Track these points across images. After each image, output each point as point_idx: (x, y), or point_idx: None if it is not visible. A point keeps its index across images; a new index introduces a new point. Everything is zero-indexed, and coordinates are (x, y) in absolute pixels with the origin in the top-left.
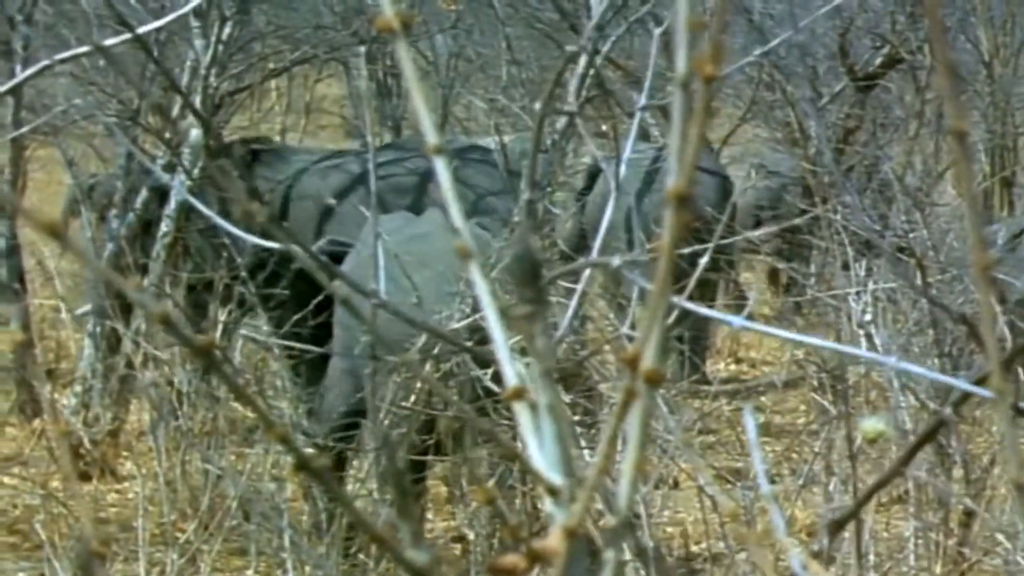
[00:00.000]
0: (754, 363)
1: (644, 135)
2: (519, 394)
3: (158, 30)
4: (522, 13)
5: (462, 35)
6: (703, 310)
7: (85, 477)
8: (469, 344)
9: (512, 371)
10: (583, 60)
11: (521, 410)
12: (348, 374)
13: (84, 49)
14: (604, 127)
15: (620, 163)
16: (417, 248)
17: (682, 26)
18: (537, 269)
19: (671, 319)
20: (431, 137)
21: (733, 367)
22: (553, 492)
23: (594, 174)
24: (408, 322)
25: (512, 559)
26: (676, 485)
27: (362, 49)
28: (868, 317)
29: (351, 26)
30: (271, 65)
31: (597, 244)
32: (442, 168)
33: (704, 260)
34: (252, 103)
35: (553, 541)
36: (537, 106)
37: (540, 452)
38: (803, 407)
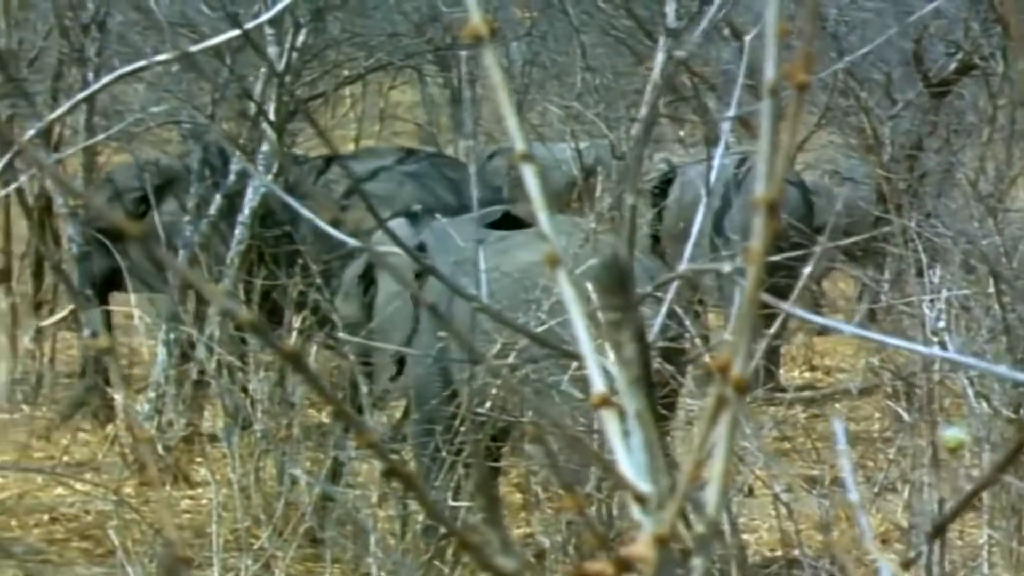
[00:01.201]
0: (829, 370)
1: (715, 141)
2: (606, 401)
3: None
4: (597, 20)
5: (537, 42)
6: (814, 317)
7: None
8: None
9: (600, 378)
10: (658, 67)
11: (608, 417)
12: (434, 380)
13: (164, 57)
14: (680, 133)
15: (712, 169)
16: (496, 255)
17: (771, 34)
18: (625, 277)
19: (774, 326)
20: (519, 144)
21: (808, 374)
22: (641, 500)
23: (668, 180)
24: (508, 327)
25: (599, 566)
26: (751, 492)
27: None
28: (942, 324)
29: (425, 33)
30: (345, 72)
31: (687, 251)
32: (530, 176)
33: (808, 269)
34: (326, 110)
35: (642, 548)
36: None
37: (628, 459)
38: (877, 414)
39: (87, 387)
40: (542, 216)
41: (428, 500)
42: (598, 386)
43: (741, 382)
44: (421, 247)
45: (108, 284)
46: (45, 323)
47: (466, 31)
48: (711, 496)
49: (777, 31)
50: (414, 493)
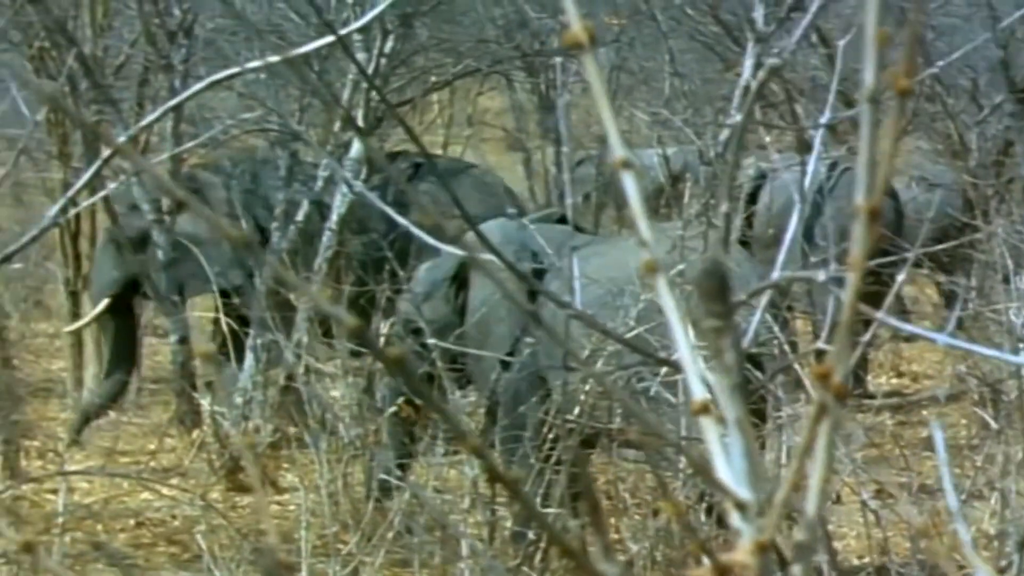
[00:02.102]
0: (916, 377)
1: (807, 147)
2: (706, 408)
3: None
4: (685, 26)
5: (625, 48)
6: (905, 325)
7: (246, 489)
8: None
9: (700, 385)
10: (746, 72)
11: (708, 424)
12: (528, 385)
13: (255, 64)
14: (767, 139)
15: (805, 176)
16: (580, 260)
17: (870, 40)
18: (725, 283)
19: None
20: (618, 150)
21: (895, 381)
22: (741, 507)
23: (758, 186)
24: (604, 334)
25: (702, 572)
26: (839, 500)
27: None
28: None
29: (513, 39)
30: (433, 78)
31: (781, 258)
32: (631, 183)
33: (902, 277)
34: (414, 116)
35: (743, 555)
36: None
37: (728, 466)
38: (964, 421)
39: (176, 392)
40: (641, 223)
41: (532, 505)
42: (698, 393)
43: (842, 389)
44: (533, 254)
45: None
46: (70, 328)
47: (566, 38)
48: (810, 503)
49: (876, 37)
50: (517, 499)
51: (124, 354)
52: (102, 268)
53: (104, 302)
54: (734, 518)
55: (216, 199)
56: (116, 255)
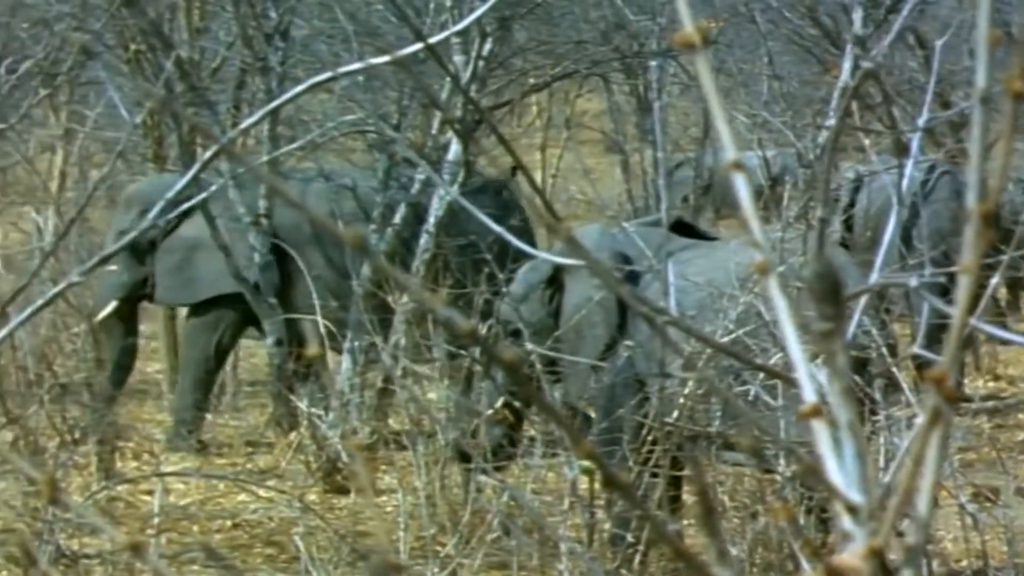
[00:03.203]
0: (1012, 380)
1: (904, 150)
2: (817, 411)
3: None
4: (783, 28)
5: (723, 50)
6: (1001, 332)
7: (343, 491)
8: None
9: (811, 388)
10: (844, 75)
11: (819, 428)
12: (627, 388)
13: (354, 67)
14: (866, 142)
15: (903, 179)
16: (678, 264)
17: (982, 40)
18: (837, 286)
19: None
20: (730, 152)
21: (992, 384)
22: (853, 510)
23: (856, 189)
24: (699, 339)
25: None
26: (936, 503)
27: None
28: None
29: (612, 41)
30: (531, 80)
31: (879, 261)
32: (741, 184)
33: (995, 280)
34: (512, 119)
35: (855, 559)
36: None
37: (839, 470)
38: None
39: (273, 395)
40: (753, 225)
41: (645, 509)
42: (809, 396)
43: (953, 394)
44: (625, 258)
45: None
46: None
47: (678, 38)
48: (920, 508)
49: (987, 38)
50: (630, 502)
51: (125, 359)
52: (110, 271)
53: (111, 305)
54: (845, 521)
55: (229, 202)
56: (125, 258)
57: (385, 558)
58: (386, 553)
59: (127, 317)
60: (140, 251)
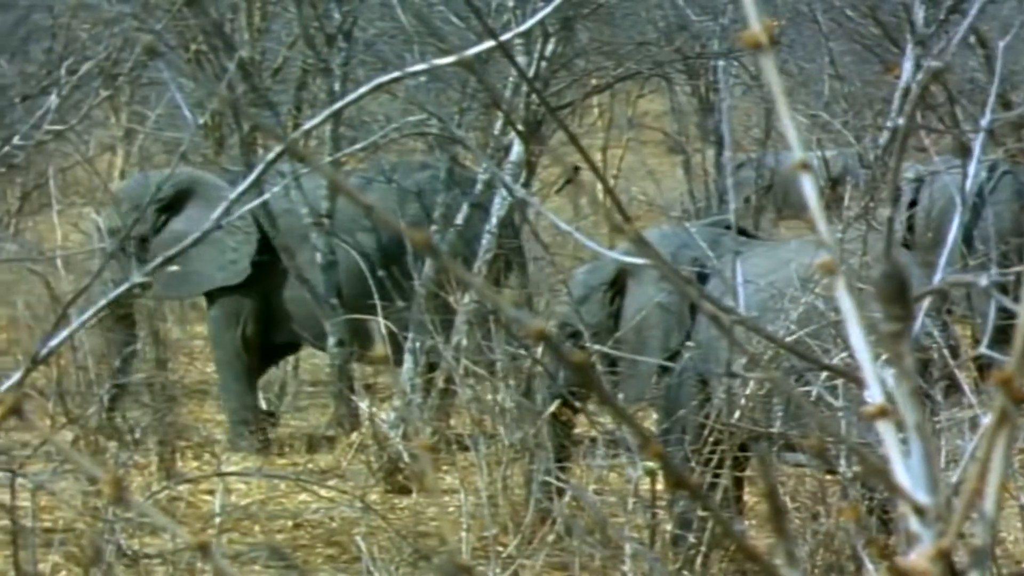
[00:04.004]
0: None
1: (966, 150)
2: (884, 412)
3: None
4: (845, 28)
5: (784, 50)
6: None
7: (405, 491)
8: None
9: (879, 389)
10: (905, 75)
11: (886, 428)
12: (689, 389)
13: (418, 67)
14: (927, 142)
15: (968, 178)
16: (746, 265)
17: None
18: (905, 287)
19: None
20: (797, 152)
21: None
22: (919, 511)
23: (917, 189)
24: (767, 339)
25: None
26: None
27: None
28: None
29: (674, 42)
30: (593, 81)
31: (942, 262)
32: (808, 184)
33: None
34: (574, 119)
35: (923, 560)
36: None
37: (906, 471)
38: None
39: (334, 395)
40: (820, 225)
41: (715, 510)
42: (876, 397)
43: (1020, 396)
44: (689, 260)
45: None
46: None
47: (745, 38)
48: (987, 509)
49: None
50: (700, 503)
51: (125, 357)
52: (110, 271)
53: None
54: (912, 523)
55: (220, 198)
56: (123, 256)
57: (453, 558)
58: (454, 553)
59: (126, 316)
60: (132, 249)
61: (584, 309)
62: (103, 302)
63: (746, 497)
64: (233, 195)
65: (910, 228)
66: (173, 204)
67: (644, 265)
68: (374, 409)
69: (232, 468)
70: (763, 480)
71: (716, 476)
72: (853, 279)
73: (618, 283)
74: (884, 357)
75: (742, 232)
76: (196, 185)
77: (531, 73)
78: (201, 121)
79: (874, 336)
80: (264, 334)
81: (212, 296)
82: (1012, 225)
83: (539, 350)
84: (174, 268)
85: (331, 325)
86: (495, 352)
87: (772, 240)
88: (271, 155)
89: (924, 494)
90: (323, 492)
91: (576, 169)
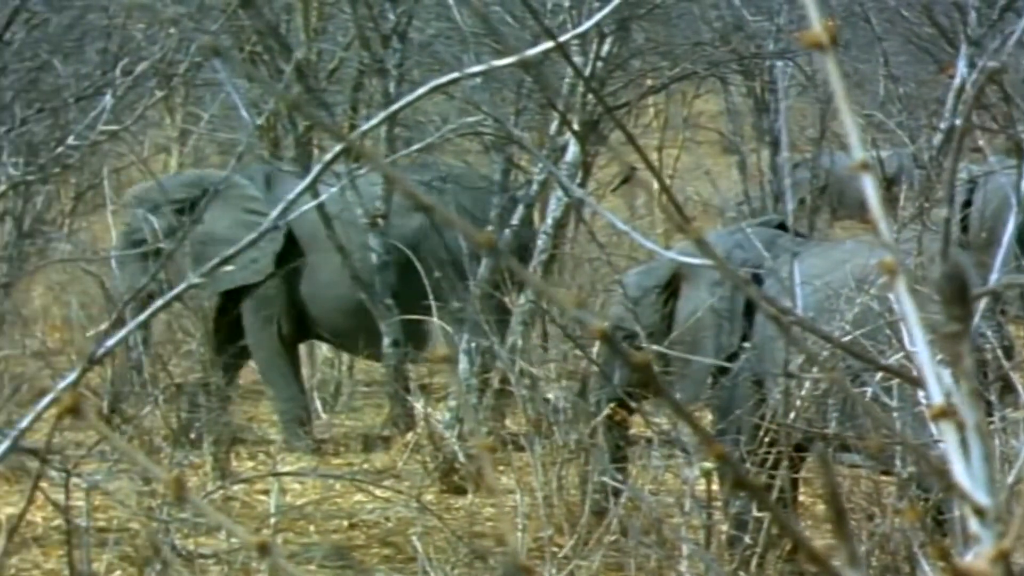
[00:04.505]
0: None
1: (1019, 150)
2: (946, 413)
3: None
4: (899, 28)
5: (839, 50)
6: None
7: (460, 491)
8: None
9: (938, 389)
10: (959, 75)
11: (947, 429)
12: (745, 390)
13: (476, 68)
14: (980, 143)
15: (1022, 180)
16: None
17: None
18: (965, 287)
19: None
20: (858, 152)
21: None
22: (980, 512)
23: (971, 190)
24: (825, 339)
25: None
26: None
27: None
28: None
29: (729, 42)
30: (649, 81)
31: (998, 262)
32: (870, 185)
33: None
34: (630, 119)
35: (982, 562)
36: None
37: (966, 472)
38: None
39: (390, 396)
40: (882, 225)
41: (777, 512)
42: (936, 397)
43: None
44: (745, 260)
45: None
46: (93, 333)
47: (806, 38)
48: None
49: None
50: (762, 505)
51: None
52: (125, 273)
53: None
54: (972, 524)
55: (242, 197)
56: (138, 258)
57: (514, 558)
58: (514, 553)
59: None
60: (153, 250)
61: (637, 311)
62: (160, 303)
63: (802, 498)
64: (291, 195)
65: (964, 228)
66: (194, 205)
67: (700, 267)
68: (429, 409)
69: (287, 468)
70: (824, 481)
71: (771, 477)
72: (911, 280)
73: (672, 285)
74: (940, 357)
75: (794, 233)
76: (212, 185)
77: (587, 73)
78: (259, 122)
79: (932, 336)
80: (300, 331)
81: (243, 299)
82: None
83: (594, 350)
84: (196, 268)
85: (386, 325)
86: (550, 352)
87: (826, 241)
88: (330, 154)
89: (984, 495)
90: (378, 492)
91: (632, 169)
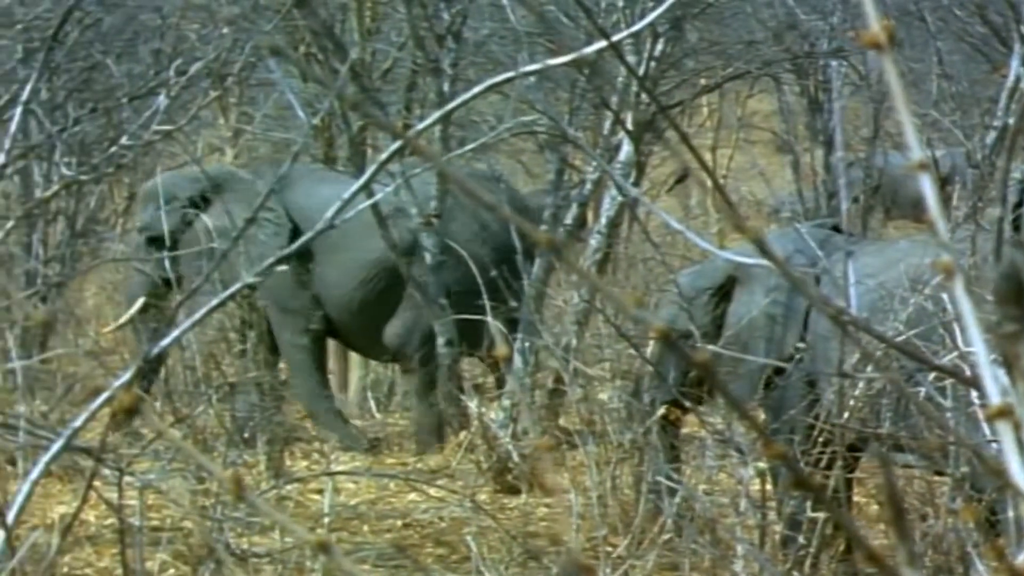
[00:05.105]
0: None
1: None
2: (1002, 413)
3: (587, 46)
4: (952, 27)
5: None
6: None
7: (514, 491)
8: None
9: (996, 389)
10: (1013, 74)
11: (1003, 429)
12: (798, 390)
13: (530, 68)
14: None
15: None
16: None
17: None
18: (1022, 287)
19: None
20: (915, 152)
21: None
22: None
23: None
24: (880, 339)
25: None
26: None
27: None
28: None
29: (783, 41)
30: (703, 81)
31: None
32: (928, 185)
33: None
34: (683, 119)
35: None
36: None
37: (1023, 471)
38: None
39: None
40: (940, 225)
41: (836, 511)
42: (993, 397)
43: None
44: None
45: None
46: (109, 328)
47: (864, 38)
48: None
49: None
50: (823, 506)
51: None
52: (137, 271)
53: (138, 304)
54: None
55: (251, 193)
56: (148, 256)
57: (574, 558)
58: (575, 553)
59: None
60: (162, 247)
61: (687, 312)
62: (215, 303)
63: (856, 498)
64: (347, 194)
65: (1016, 228)
66: (203, 200)
67: (755, 270)
68: (483, 409)
69: (341, 467)
70: (883, 481)
71: (825, 477)
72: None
73: (725, 288)
74: (995, 357)
75: (847, 233)
76: (225, 181)
77: (641, 73)
78: (315, 121)
79: (988, 336)
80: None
81: (264, 299)
82: None
83: (647, 350)
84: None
85: (440, 325)
86: (604, 351)
87: (880, 240)
88: (386, 153)
89: None
90: (432, 492)
91: (686, 169)
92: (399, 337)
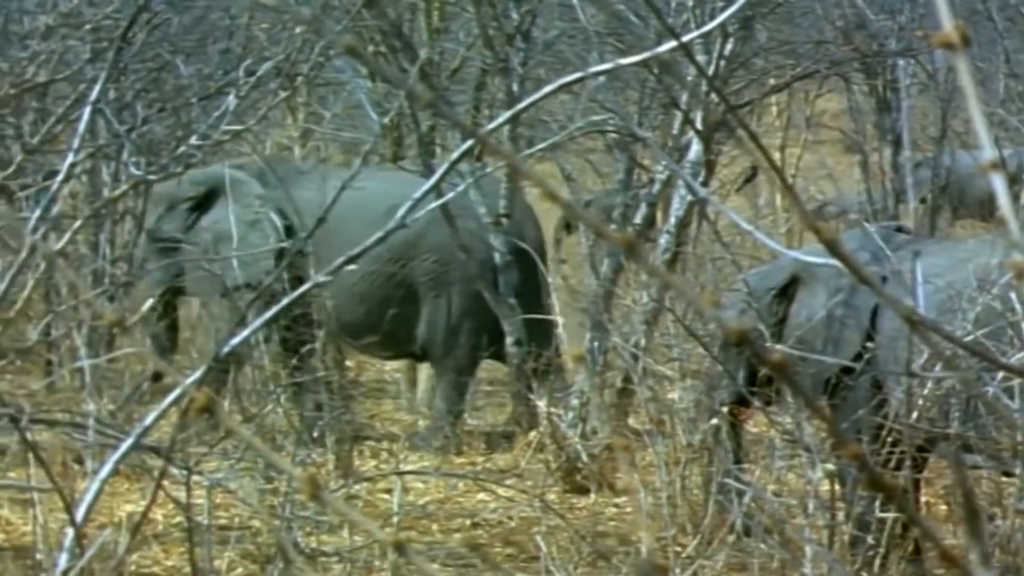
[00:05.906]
0: None
1: None
2: None
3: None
4: (1020, 26)
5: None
6: None
7: (583, 490)
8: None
9: None
10: None
11: None
12: (867, 392)
13: (601, 67)
14: None
15: None
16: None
17: None
18: None
19: None
20: (987, 152)
21: None
22: None
23: None
24: (948, 339)
25: None
26: None
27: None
28: None
29: (852, 40)
30: (772, 80)
31: None
32: (1000, 184)
33: None
34: (752, 118)
35: None
36: None
37: None
38: None
39: (512, 395)
40: (1013, 225)
41: (911, 511)
42: None
43: None
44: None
45: None
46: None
47: (937, 38)
48: None
49: None
50: (897, 505)
51: (166, 351)
52: (151, 269)
53: (150, 301)
54: None
55: (248, 194)
56: (156, 255)
57: (650, 558)
58: (651, 552)
59: (164, 314)
60: (170, 247)
61: (751, 314)
62: (284, 302)
63: (924, 498)
64: (418, 194)
65: None
66: (204, 202)
67: (819, 271)
68: (552, 408)
69: (410, 467)
70: (957, 481)
71: (894, 478)
72: None
73: (789, 290)
74: None
75: (910, 233)
76: (221, 183)
77: (710, 72)
78: (386, 121)
79: None
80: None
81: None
82: None
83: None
84: (203, 266)
85: (509, 324)
86: (672, 351)
87: (948, 240)
88: (457, 152)
89: None
90: (501, 491)
91: (755, 168)
92: (423, 336)
